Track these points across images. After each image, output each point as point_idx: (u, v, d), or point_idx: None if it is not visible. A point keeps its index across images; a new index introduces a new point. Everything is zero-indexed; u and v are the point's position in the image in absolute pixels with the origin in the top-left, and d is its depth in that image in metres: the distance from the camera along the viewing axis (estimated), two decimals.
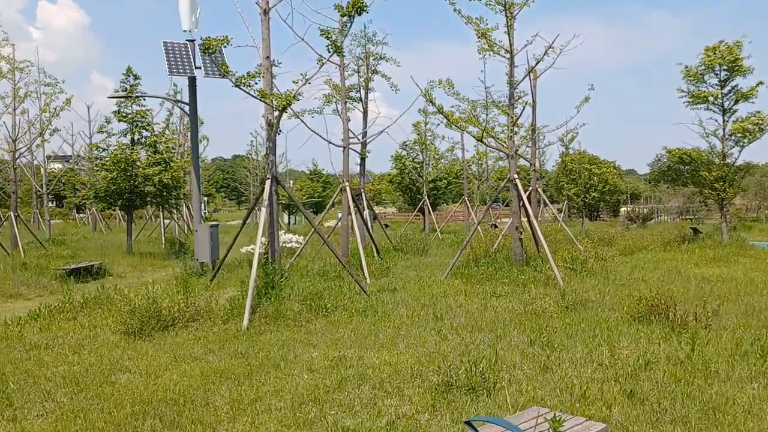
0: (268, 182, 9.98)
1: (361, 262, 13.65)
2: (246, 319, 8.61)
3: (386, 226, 43.73)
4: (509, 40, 12.80)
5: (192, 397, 5.76)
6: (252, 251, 19.84)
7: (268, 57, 9.99)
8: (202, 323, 8.93)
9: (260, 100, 9.71)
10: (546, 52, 12.53)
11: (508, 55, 12.98)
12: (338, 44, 9.79)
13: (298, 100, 9.88)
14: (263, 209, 9.90)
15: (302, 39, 10.90)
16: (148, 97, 20.82)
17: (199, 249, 15.17)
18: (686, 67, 19.43)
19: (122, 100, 21.78)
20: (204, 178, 65.67)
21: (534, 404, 5.34)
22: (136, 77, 21.73)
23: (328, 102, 16.98)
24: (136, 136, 21.93)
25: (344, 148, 14.85)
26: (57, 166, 55.11)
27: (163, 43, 15.04)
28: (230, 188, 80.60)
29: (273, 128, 9.92)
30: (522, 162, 18.36)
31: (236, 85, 9.29)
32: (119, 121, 21.86)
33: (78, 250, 23.18)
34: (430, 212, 28.88)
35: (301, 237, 20.29)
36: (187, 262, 15.79)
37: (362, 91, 18.15)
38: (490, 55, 12.97)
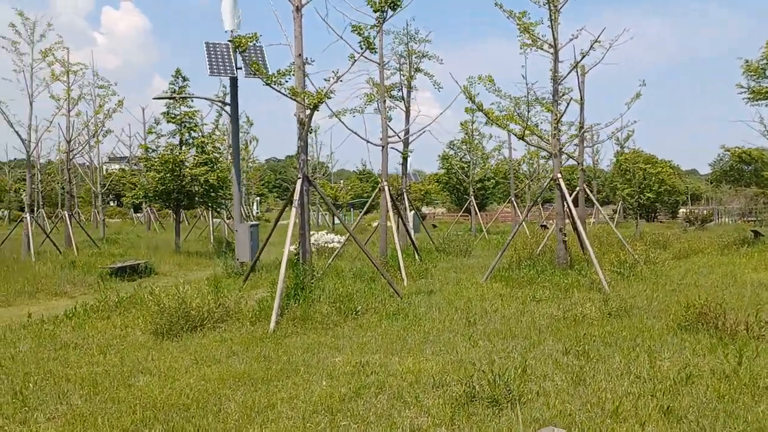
0: (299, 182, 9.83)
1: (399, 263, 13.38)
2: (273, 321, 8.46)
3: (434, 226, 43.40)
4: (553, 34, 12.30)
5: (204, 403, 5.60)
6: (294, 251, 19.90)
7: (300, 55, 9.83)
8: (230, 324, 8.83)
9: (291, 98, 9.55)
10: (591, 46, 11.98)
11: (551, 50, 12.49)
12: (370, 40, 9.54)
13: (330, 98, 9.69)
14: (293, 209, 9.74)
15: (341, 37, 10.71)
16: (191, 98, 21.05)
17: (240, 249, 15.17)
18: (747, 61, 18.40)
19: (172, 101, 22.16)
20: (256, 179, 66.72)
21: (561, 420, 4.97)
22: (184, 79, 22.06)
23: (370, 101, 16.80)
24: (185, 137, 22.25)
25: (383, 147, 14.60)
26: (115, 167, 56.87)
27: (205, 44, 15.13)
28: (282, 188, 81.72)
29: (304, 127, 9.75)
30: (571, 161, 17.74)
31: (267, 84, 9.15)
32: (168, 122, 22.22)
33: (129, 248, 23.71)
34: (476, 213, 28.36)
35: (344, 237, 20.18)
36: (227, 262, 15.85)
37: (404, 90, 17.88)
38: (532, 50, 12.50)
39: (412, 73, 18.01)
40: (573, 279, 11.83)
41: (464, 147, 30.86)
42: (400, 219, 16.02)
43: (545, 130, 13.16)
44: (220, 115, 27.69)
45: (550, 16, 12.11)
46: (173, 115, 22.02)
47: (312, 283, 9.75)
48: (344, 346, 7.66)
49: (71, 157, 23.95)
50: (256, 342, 7.92)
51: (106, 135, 25.04)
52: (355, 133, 13.86)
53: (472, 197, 28.39)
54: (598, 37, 11.89)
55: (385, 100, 14.93)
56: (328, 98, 9.67)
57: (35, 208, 23.12)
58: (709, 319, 7.70)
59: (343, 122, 13.52)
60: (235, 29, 15.36)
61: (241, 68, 15.07)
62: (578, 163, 16.32)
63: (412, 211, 37.53)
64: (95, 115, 24.15)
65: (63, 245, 22.51)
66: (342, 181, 61.92)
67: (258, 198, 71.95)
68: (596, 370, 6.27)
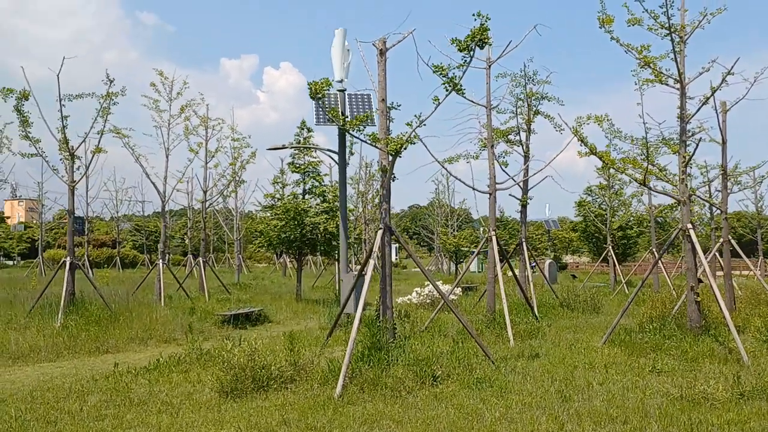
0: (380, 232, 9.20)
1: (505, 320, 12.23)
2: (339, 385, 7.78)
3: (574, 277, 40.86)
4: (678, 68, 10.85)
5: None
6: (408, 302, 19.21)
7: (383, 100, 9.33)
8: (299, 385, 8.27)
9: (371, 144, 9.04)
10: (723, 79, 10.39)
11: (677, 86, 11.01)
12: (455, 81, 8.82)
13: (414, 143, 9.06)
14: (370, 261, 9.11)
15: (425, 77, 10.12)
16: (300, 147, 21.34)
17: (353, 297, 14.74)
18: None
19: (297, 152, 22.72)
20: (395, 226, 67.30)
21: None
22: (309, 130, 22.54)
23: (484, 146, 15.97)
24: (307, 186, 22.61)
25: (490, 194, 13.64)
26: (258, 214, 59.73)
27: None
28: (422, 235, 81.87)
29: (387, 174, 9.16)
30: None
31: (345, 130, 8.72)
32: (293, 171, 22.74)
33: (256, 294, 24.33)
34: (615, 263, 26.05)
35: (459, 288, 19.20)
36: (332, 312, 15.49)
37: (522, 134, 16.86)
38: (651, 85, 11.10)
39: (531, 116, 16.96)
40: (706, 347, 10.04)
41: (602, 193, 28.78)
42: (511, 270, 14.80)
43: (674, 174, 11.54)
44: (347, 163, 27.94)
45: (673, 47, 10.70)
46: (297, 165, 22.50)
47: (391, 342, 8.98)
48: (409, 419, 6.79)
49: (207, 206, 25.22)
50: (316, 409, 7.26)
51: (239, 185, 26.17)
52: (460, 180, 13.14)
53: (610, 246, 26.19)
54: (731, 69, 10.30)
55: (492, 145, 14.01)
56: (411, 143, 9.04)
57: (199, 254, 24.37)
58: None
59: (446, 169, 12.84)
60: (345, 79, 15.33)
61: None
62: (721, 211, 14.24)
63: (548, 261, 35.64)
64: (230, 166, 25.33)
65: (197, 290, 23.56)
66: (481, 229, 60.54)
67: (396, 245, 72.58)
68: None
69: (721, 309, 9.97)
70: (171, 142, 20.89)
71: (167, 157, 20.88)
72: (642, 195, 26.57)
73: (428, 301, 18.54)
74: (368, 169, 37.79)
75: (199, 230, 38.82)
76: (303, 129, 22.45)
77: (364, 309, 13.42)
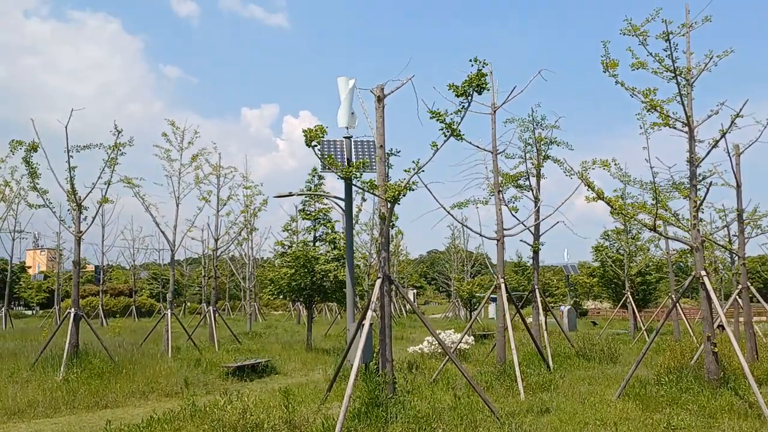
0: (378, 282, 8.92)
1: (515, 372, 11.75)
2: None
3: (594, 324, 39.92)
4: (685, 111, 10.62)
5: None
6: (419, 351, 18.70)
7: (381, 146, 9.19)
8: None
9: (368, 191, 8.85)
10: (733, 122, 10.12)
11: (685, 129, 10.75)
12: (453, 127, 8.65)
13: (413, 189, 8.86)
14: (369, 312, 8.80)
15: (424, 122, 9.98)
16: (306, 194, 21.26)
17: (352, 349, 14.35)
18: None
19: (308, 199, 22.68)
20: (412, 272, 66.72)
21: None
22: (320, 177, 22.53)
23: (493, 192, 15.74)
24: (318, 233, 22.48)
25: (498, 240, 13.33)
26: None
27: (321, 141, 15.13)
28: (439, 281, 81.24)
29: (385, 222, 8.94)
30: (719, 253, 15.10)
31: (342, 177, 8.55)
32: (303, 218, 22.66)
33: (267, 344, 23.95)
34: (634, 310, 25.35)
35: (471, 338, 18.69)
36: (353, 362, 15.07)
37: (531, 179, 16.61)
38: (658, 129, 10.86)
39: (541, 160, 16.75)
40: (725, 400, 9.49)
41: (619, 237, 28.28)
42: (522, 319, 14.36)
43: (687, 219, 11.17)
44: (360, 210, 27.89)
45: (679, 91, 10.49)
46: (308, 212, 22.43)
47: (391, 398, 8.58)
48: None
49: (219, 254, 25.14)
50: None
51: (251, 233, 26.11)
52: (467, 227, 12.91)
53: (629, 292, 25.54)
54: (740, 111, 10.05)
55: (500, 191, 13.77)
56: (410, 190, 8.84)
57: (214, 302, 24.22)
58: None
59: (452, 215, 12.61)
60: (350, 126, 15.28)
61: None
62: (739, 257, 13.75)
63: (567, 307, 34.87)
64: (242, 214, 25.35)
65: (207, 340, 23.28)
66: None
67: (414, 290, 71.86)
68: None
69: (739, 358, 9.46)
70: (181, 191, 20.94)
71: (177, 205, 20.91)
72: (659, 240, 26.05)
73: (439, 350, 18.03)
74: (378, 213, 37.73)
75: (217, 278, 38.77)
76: (314, 176, 22.45)
77: (371, 359, 13.08)
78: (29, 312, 65.87)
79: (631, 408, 9.91)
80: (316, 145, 8.70)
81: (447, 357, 14.29)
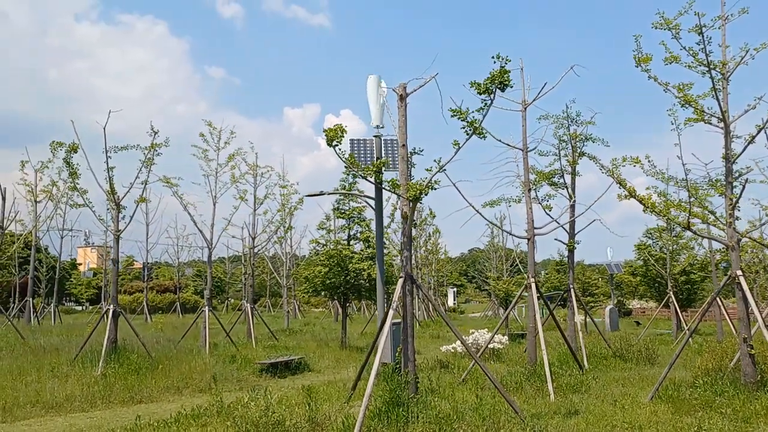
0: (400, 281, 8.89)
1: (546, 373, 11.58)
2: None
3: (637, 323, 39.06)
4: (720, 106, 10.27)
5: None
6: (453, 350, 18.60)
7: (404, 145, 9.15)
8: None
9: (389, 191, 8.83)
10: None
11: (721, 125, 10.40)
12: (476, 125, 8.56)
13: (435, 188, 8.80)
14: (390, 311, 8.78)
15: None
16: (336, 193, 21.30)
17: (382, 348, 14.36)
18: None
19: (342, 198, 22.78)
20: (452, 269, 66.36)
21: None
22: (354, 176, 22.59)
23: (530, 189, 15.54)
24: (352, 231, 22.55)
25: (528, 239, 13.14)
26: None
27: (350, 140, 15.17)
28: (481, 279, 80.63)
29: (407, 221, 8.90)
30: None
31: (362, 177, 8.56)
32: (337, 217, 22.77)
33: (303, 341, 24.17)
34: (677, 309, 24.67)
35: (505, 336, 18.50)
36: (371, 360, 15.10)
37: (566, 176, 16.33)
38: (691, 125, 10.51)
39: (576, 157, 16.44)
40: (761, 405, 9.14)
41: (662, 236, 27.55)
42: (554, 319, 14.11)
43: (722, 218, 10.79)
44: (395, 209, 27.87)
45: (713, 85, 10.14)
46: (342, 211, 22.52)
47: (413, 398, 8.55)
48: None
49: (256, 251, 25.48)
50: None
51: (287, 231, 26.35)
52: (496, 225, 12.78)
53: (671, 291, 24.86)
54: None
55: (530, 189, 13.57)
56: (432, 189, 8.78)
57: (251, 299, 24.64)
58: None
59: (482, 214, 12.46)
60: (381, 125, 15.28)
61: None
62: None
63: (609, 307, 34.17)
64: (278, 212, 25.62)
65: (245, 337, 23.62)
66: (543, 272, 58.91)
67: (454, 289, 71.51)
68: None
69: None
70: (218, 190, 21.28)
71: (214, 204, 21.26)
72: (702, 239, 25.26)
73: (473, 349, 17.91)
74: (420, 213, 37.65)
75: (254, 276, 39.28)
76: (348, 174, 22.51)
77: (393, 359, 13.04)
78: (79, 308, 67.98)
79: (662, 411, 9.66)
80: (336, 145, 8.71)
81: (477, 356, 14.19)
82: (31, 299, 29.71)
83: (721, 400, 9.64)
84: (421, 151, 9.40)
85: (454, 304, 68.40)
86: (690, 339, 22.74)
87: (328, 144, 8.59)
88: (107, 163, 15.47)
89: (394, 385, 8.45)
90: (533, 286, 12.69)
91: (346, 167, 8.81)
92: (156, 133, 16.16)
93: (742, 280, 9.88)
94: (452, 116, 8.53)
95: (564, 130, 16.48)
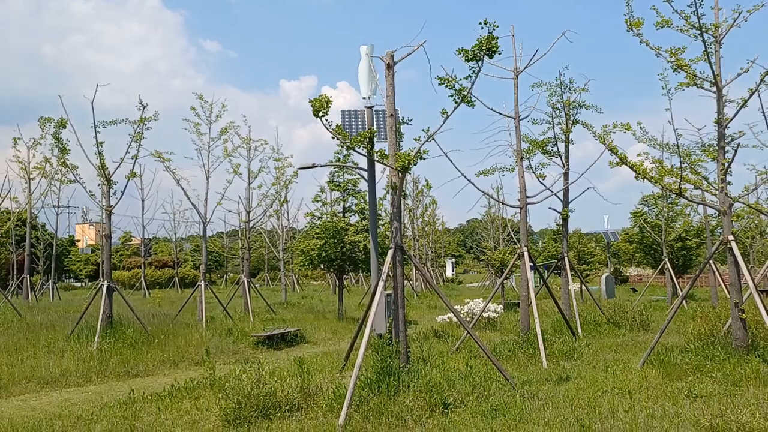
0: (390, 252, 8.87)
1: (538, 340, 11.63)
2: (343, 414, 7.44)
3: (634, 290, 39.22)
4: (712, 70, 10.14)
5: None
6: (449, 320, 18.69)
7: (392, 114, 9.06)
8: (305, 413, 7.98)
9: (378, 161, 8.76)
10: (762, 79, 9.61)
11: (713, 89, 10.29)
12: (464, 93, 8.44)
13: (424, 158, 8.72)
14: (380, 282, 8.77)
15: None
16: (329, 165, 21.16)
17: (376, 319, 14.38)
18: None
19: (336, 170, 22.67)
20: (450, 240, 66.47)
21: None
22: (349, 147, 22.43)
23: (522, 158, 15.45)
24: (347, 203, 22.50)
25: (521, 208, 13.10)
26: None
27: (341, 111, 15.01)
28: (478, 249, 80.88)
29: (396, 192, 8.84)
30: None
31: (350, 148, 8.48)
32: (332, 190, 22.69)
33: (300, 314, 24.26)
34: (672, 276, 24.75)
35: (500, 306, 18.58)
36: (363, 331, 15.17)
37: (560, 144, 16.22)
38: (681, 90, 10.40)
39: (570, 125, 16.32)
40: (751, 368, 9.21)
41: (657, 203, 27.56)
42: (546, 287, 14.15)
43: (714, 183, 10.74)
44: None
45: (706, 48, 10.01)
46: (336, 183, 22.44)
47: (404, 367, 8.59)
48: None
49: (251, 225, 25.44)
50: None
51: (282, 204, 26.28)
52: (489, 196, 12.64)
53: (666, 258, 24.92)
54: None
55: (523, 157, 13.48)
56: (421, 159, 8.71)
57: (248, 273, 24.61)
58: None
59: (474, 184, 12.37)
60: (371, 95, 15.11)
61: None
62: None
63: (605, 275, 34.29)
64: (272, 186, 25.54)
65: (242, 311, 23.70)
66: (541, 242, 58.98)
67: (453, 260, 71.72)
68: None
69: (766, 325, 9.15)
70: (211, 165, 21.15)
71: (207, 179, 21.14)
72: (697, 205, 25.27)
73: (468, 319, 18.00)
74: (416, 184, 37.49)
75: (251, 250, 39.32)
76: (343, 147, 22.36)
77: (384, 329, 13.08)
78: (78, 284, 68.19)
79: (653, 376, 9.73)
80: (323, 116, 8.61)
81: (471, 325, 14.25)
82: (28, 276, 29.72)
83: (711, 365, 9.70)
84: (410, 120, 9.32)
85: (453, 274, 68.66)
86: (685, 304, 22.86)
87: (315, 115, 8.49)
88: (96, 138, 15.35)
89: (385, 355, 8.47)
90: (526, 254, 12.69)
91: (332, 138, 8.71)
92: (145, 106, 15.99)
93: (733, 245, 9.87)
94: (440, 84, 8.41)
95: (557, 98, 16.34)
